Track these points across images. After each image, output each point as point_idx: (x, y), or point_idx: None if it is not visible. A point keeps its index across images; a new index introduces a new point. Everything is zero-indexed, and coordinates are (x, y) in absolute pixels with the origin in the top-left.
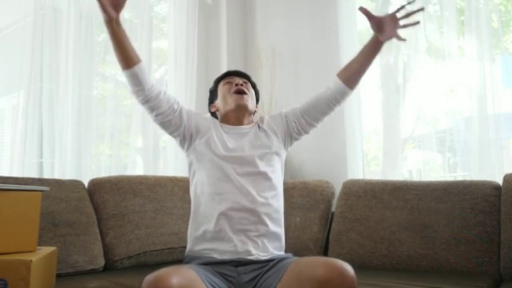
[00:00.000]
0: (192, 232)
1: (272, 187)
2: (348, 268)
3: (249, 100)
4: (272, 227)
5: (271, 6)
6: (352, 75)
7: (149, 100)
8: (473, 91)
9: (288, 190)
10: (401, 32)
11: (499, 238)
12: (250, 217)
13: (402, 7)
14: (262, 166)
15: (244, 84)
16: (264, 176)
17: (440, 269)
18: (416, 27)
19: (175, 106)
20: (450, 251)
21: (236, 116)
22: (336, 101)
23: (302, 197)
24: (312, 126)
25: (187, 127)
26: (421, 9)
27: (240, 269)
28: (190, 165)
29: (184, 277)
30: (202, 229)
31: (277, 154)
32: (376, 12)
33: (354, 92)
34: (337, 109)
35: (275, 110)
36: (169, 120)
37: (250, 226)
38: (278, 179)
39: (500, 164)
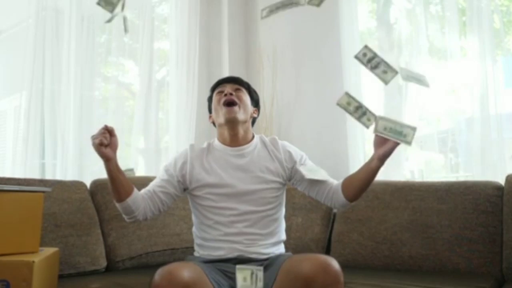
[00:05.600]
0: (196, 238)
1: (274, 221)
2: (332, 263)
3: (240, 110)
4: (273, 240)
5: None
6: (354, 193)
7: (152, 217)
8: (475, 92)
9: (290, 191)
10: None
11: (501, 238)
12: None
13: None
14: (263, 204)
15: (235, 92)
16: (266, 214)
17: (442, 269)
18: (418, 27)
19: (171, 197)
20: (452, 251)
21: (229, 130)
22: (333, 207)
23: (304, 197)
24: (303, 192)
25: (183, 185)
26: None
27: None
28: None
29: (193, 271)
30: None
31: (280, 184)
32: (378, 13)
33: (356, 93)
34: None
35: (277, 111)
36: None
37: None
38: (280, 206)
39: (502, 164)
